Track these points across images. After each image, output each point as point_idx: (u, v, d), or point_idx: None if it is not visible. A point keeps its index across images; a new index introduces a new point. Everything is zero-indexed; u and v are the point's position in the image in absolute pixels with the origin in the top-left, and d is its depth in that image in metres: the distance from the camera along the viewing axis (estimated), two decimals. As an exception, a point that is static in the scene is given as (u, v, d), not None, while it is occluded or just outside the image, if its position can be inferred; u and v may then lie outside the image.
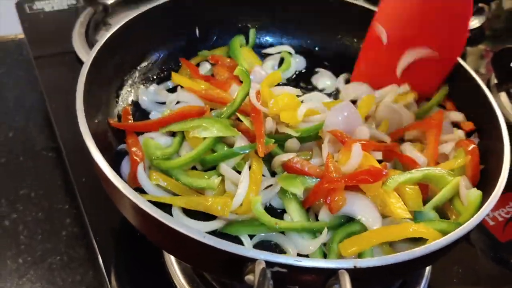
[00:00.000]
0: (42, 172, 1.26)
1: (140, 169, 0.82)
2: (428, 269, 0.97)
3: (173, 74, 1.06)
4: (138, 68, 1.06)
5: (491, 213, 1.11)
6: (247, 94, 0.91)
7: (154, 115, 0.98)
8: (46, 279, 1.04)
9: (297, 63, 1.21)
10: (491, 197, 0.75)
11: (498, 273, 1.01)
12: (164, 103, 1.03)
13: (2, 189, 1.20)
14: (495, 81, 1.40)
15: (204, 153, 0.85)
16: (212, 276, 0.88)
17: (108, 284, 0.90)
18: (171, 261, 0.91)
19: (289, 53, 1.22)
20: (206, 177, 0.85)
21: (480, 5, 1.77)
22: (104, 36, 0.89)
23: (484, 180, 0.87)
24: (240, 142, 0.87)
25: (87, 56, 0.85)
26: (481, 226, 1.08)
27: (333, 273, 0.61)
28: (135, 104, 1.02)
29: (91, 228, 0.98)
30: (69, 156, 1.13)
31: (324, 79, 1.19)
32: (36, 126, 1.38)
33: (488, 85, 1.38)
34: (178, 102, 1.01)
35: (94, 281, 1.04)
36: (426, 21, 0.98)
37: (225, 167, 0.84)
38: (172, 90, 1.07)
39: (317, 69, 1.21)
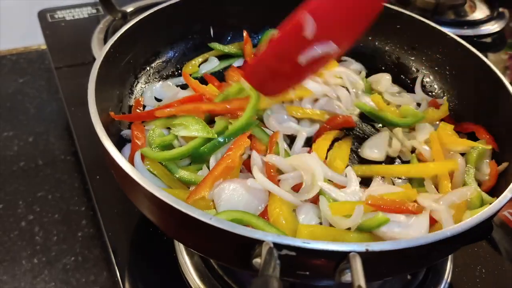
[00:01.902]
0: (60, 176, 1.27)
1: (137, 154, 0.82)
2: (449, 268, 0.94)
3: (184, 71, 1.07)
4: (153, 65, 1.07)
5: (516, 212, 1.07)
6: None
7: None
8: (60, 279, 1.04)
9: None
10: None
11: (524, 274, 0.97)
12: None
13: (21, 191, 1.22)
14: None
15: (194, 150, 0.85)
16: (223, 271, 0.86)
17: (120, 281, 0.89)
18: (183, 257, 0.90)
19: None
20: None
21: (501, 9, 1.75)
22: (118, 32, 0.90)
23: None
24: None
25: (100, 52, 0.86)
26: (505, 226, 1.05)
27: (344, 256, 0.59)
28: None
29: (104, 227, 0.98)
30: (85, 159, 1.14)
31: None
32: (56, 132, 1.40)
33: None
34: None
35: (108, 282, 1.04)
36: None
37: (212, 161, 0.85)
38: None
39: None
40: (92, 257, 1.08)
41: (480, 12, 1.73)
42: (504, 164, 0.88)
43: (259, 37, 1.22)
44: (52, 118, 1.45)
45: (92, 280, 1.04)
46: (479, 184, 0.89)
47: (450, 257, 0.95)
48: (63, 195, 1.22)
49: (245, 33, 1.17)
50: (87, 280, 1.05)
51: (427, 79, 1.15)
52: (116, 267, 0.91)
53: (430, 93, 1.13)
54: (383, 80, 1.13)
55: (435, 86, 1.13)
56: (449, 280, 0.93)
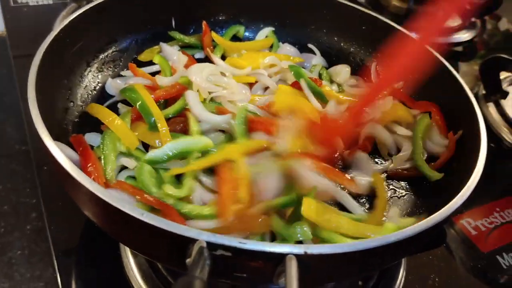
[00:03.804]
0: (14, 167, 1.22)
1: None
2: (401, 275, 0.92)
3: (130, 64, 1.03)
4: (107, 54, 1.03)
5: (474, 222, 1.06)
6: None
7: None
8: (3, 274, 1.00)
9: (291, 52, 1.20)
10: (459, 194, 0.71)
11: (476, 285, 0.96)
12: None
13: (-30, 181, 1.17)
14: (483, 91, 1.37)
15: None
16: (168, 271, 0.83)
17: (58, 276, 0.86)
18: (127, 256, 0.86)
19: (274, 33, 1.23)
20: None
21: (473, 19, 1.76)
22: (69, 17, 0.86)
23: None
24: None
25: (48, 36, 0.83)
26: (463, 235, 1.04)
27: (281, 259, 0.56)
28: (101, 89, 1.00)
29: (47, 221, 0.95)
30: (35, 149, 1.11)
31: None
32: (13, 122, 1.35)
33: (476, 96, 1.34)
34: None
35: (53, 278, 0.99)
36: None
37: None
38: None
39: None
40: (39, 252, 1.04)
41: (452, 20, 1.73)
42: (459, 133, 0.94)
43: (223, 32, 1.19)
44: (10, 107, 1.39)
45: (37, 275, 1.00)
46: (435, 157, 0.96)
47: (403, 264, 0.93)
48: (15, 187, 1.17)
49: (204, 24, 1.15)
50: (32, 275, 1.00)
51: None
52: (55, 263, 0.87)
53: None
54: (343, 71, 1.14)
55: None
56: (401, 286, 0.91)
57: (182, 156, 0.83)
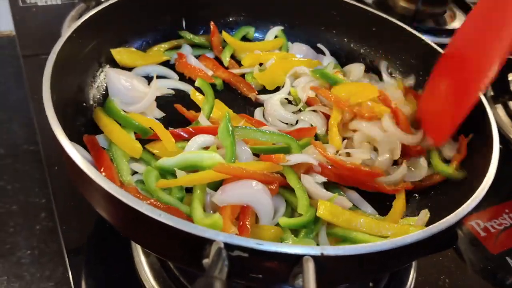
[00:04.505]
0: (21, 166, 1.22)
1: None
2: (412, 277, 0.92)
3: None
4: (118, 54, 1.03)
5: (483, 224, 1.06)
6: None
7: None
8: (13, 273, 1.00)
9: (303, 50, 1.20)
10: (473, 196, 0.71)
11: (486, 286, 0.96)
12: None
13: (-21, 180, 1.17)
14: (491, 93, 1.37)
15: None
16: (180, 271, 0.83)
17: (70, 276, 0.86)
18: (139, 256, 0.87)
19: (283, 32, 1.23)
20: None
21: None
22: (82, 17, 0.87)
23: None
24: None
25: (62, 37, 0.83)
26: (472, 237, 1.04)
27: (298, 260, 0.56)
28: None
29: (59, 221, 0.95)
30: (45, 149, 1.11)
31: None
32: (20, 122, 1.35)
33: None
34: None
35: (63, 277, 0.99)
36: None
37: None
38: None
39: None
40: (49, 252, 1.04)
41: (459, 21, 1.73)
42: (469, 136, 0.94)
43: (233, 33, 1.20)
44: (17, 106, 1.40)
45: (47, 276, 1.00)
46: (448, 160, 0.95)
47: (413, 265, 0.94)
48: (23, 186, 1.17)
49: (212, 25, 1.15)
50: (42, 275, 1.00)
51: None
52: (67, 262, 0.88)
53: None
54: (357, 70, 1.14)
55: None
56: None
57: (192, 168, 0.81)
